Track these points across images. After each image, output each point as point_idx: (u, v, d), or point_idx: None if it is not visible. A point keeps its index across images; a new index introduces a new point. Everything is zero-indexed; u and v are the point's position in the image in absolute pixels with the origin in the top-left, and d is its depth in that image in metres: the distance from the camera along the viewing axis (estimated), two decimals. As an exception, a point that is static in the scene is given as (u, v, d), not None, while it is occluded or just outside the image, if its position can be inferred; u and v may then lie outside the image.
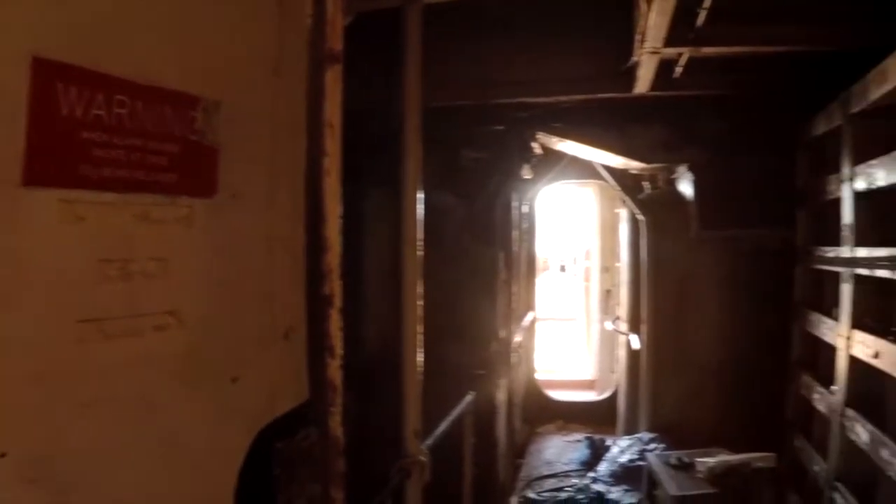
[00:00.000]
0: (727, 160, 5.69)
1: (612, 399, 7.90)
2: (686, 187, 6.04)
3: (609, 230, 9.22)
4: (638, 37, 3.87)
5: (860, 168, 3.88)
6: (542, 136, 5.82)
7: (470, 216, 5.67)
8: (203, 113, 1.28)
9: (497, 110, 5.44)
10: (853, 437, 3.82)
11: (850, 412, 3.91)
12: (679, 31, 3.64)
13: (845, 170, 4.08)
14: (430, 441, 3.09)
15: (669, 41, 3.73)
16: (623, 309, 7.19)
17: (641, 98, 5.05)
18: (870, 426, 3.62)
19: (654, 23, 3.40)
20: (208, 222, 1.30)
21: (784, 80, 4.80)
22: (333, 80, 1.60)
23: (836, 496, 3.95)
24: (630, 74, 4.65)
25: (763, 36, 3.99)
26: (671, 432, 5.92)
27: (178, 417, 1.25)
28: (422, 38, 2.46)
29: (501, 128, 5.63)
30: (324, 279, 1.58)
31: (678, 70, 4.38)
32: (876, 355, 3.60)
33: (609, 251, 9.25)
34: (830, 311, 4.46)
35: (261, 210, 1.44)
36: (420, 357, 2.53)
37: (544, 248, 8.90)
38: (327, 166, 1.58)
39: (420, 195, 2.53)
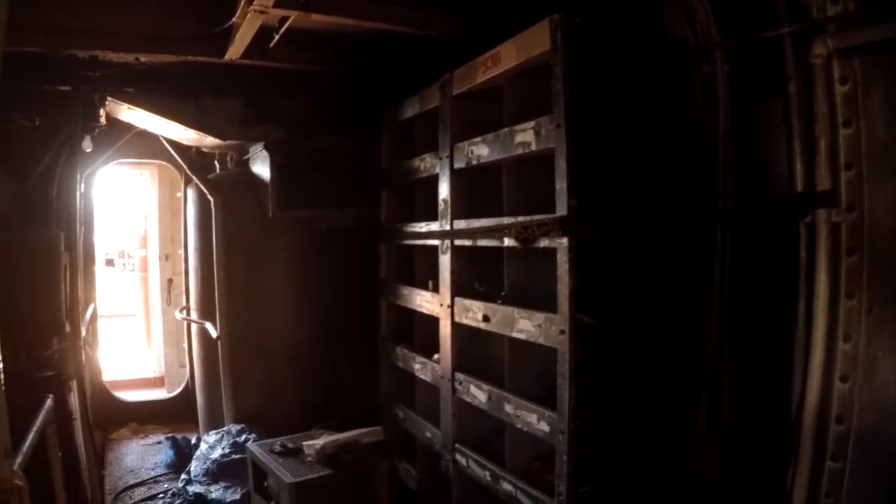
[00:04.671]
0: (305, 139, 5.62)
1: (186, 394, 7.46)
2: (261, 167, 5.72)
3: (169, 216, 8.69)
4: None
5: (460, 146, 4.11)
6: (111, 103, 4.99)
7: (20, 193, 4.49)
8: None
9: (64, 66, 4.47)
10: (468, 398, 4.04)
11: (461, 376, 4.13)
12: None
13: (444, 148, 4.28)
14: (20, 459, 2.57)
15: (280, 1, 3.59)
16: (193, 297, 6.71)
17: (224, 67, 4.71)
18: (487, 386, 3.86)
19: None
20: None
21: (373, 62, 4.89)
22: None
23: (458, 457, 4.13)
24: (225, 37, 4.31)
25: (378, 11, 4.02)
26: (259, 420, 5.64)
27: None
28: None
29: (67, 88, 4.63)
30: None
31: (276, 38, 4.20)
32: (486, 319, 3.85)
33: (169, 238, 8.72)
34: (427, 283, 4.67)
35: None
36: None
37: (100, 237, 7.72)
38: None
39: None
